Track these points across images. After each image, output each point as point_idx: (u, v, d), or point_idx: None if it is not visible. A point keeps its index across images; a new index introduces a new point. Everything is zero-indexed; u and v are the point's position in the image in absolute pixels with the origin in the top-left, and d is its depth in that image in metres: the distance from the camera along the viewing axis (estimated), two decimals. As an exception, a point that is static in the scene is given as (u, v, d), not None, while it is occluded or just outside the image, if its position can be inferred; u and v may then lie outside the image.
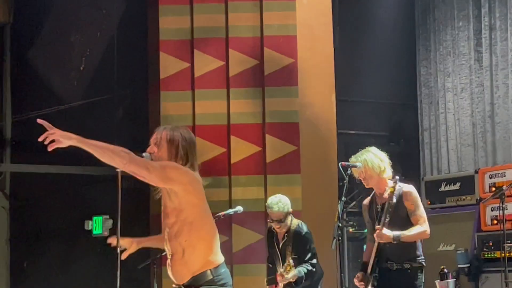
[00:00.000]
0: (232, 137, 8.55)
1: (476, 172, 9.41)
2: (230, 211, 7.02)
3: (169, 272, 4.94)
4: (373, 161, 6.55)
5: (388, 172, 6.59)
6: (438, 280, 6.44)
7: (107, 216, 9.07)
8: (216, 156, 8.57)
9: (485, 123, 10.25)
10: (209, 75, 8.70)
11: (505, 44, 10.08)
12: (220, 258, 4.87)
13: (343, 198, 6.14)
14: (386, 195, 6.42)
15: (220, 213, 6.74)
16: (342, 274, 5.92)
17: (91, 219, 9.16)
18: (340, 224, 5.92)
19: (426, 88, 11.09)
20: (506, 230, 7.28)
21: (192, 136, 5.01)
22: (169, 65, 8.71)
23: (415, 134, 11.06)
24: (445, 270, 6.44)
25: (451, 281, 6.43)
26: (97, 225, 9.08)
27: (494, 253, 8.74)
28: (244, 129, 8.62)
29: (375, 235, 6.26)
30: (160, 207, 8.66)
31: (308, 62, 8.81)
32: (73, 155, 9.77)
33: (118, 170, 4.86)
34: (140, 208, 9.08)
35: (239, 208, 7.03)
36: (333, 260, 5.94)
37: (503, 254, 6.95)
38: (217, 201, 8.19)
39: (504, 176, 9.03)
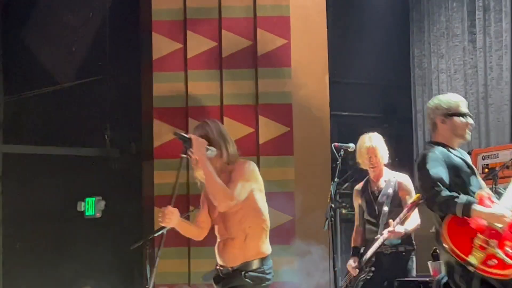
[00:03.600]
0: (225, 118, 8.52)
1: (469, 153, 9.41)
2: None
3: (219, 254, 5.14)
4: (385, 147, 6.65)
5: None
6: (431, 261, 6.45)
7: (100, 198, 9.06)
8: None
9: (478, 105, 10.24)
10: (202, 56, 8.66)
11: (499, 26, 10.06)
12: (269, 249, 5.13)
13: (336, 179, 6.15)
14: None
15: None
16: (335, 255, 5.92)
17: (83, 200, 9.16)
18: (333, 205, 5.93)
19: (420, 69, 11.07)
20: (499, 211, 7.28)
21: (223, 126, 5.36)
22: (161, 46, 8.66)
23: (409, 116, 11.06)
24: (438, 251, 6.44)
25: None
26: (90, 206, 9.07)
27: (487, 234, 8.75)
28: (237, 110, 8.59)
29: (388, 233, 6.28)
30: (152, 188, 8.66)
31: (301, 43, 8.77)
32: (66, 136, 9.78)
33: (183, 155, 5.02)
34: (133, 190, 9.07)
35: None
36: (326, 240, 5.93)
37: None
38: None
39: (497, 157, 9.03)
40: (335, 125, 9.61)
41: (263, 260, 5.15)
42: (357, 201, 6.87)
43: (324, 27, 8.95)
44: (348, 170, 10.15)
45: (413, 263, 6.62)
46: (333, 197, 5.98)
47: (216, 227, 5.30)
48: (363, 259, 6.59)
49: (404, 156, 10.20)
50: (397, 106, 11.17)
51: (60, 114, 9.78)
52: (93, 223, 9.18)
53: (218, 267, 5.26)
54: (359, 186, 6.89)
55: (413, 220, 6.44)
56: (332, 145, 6.40)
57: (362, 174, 10.10)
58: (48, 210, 9.46)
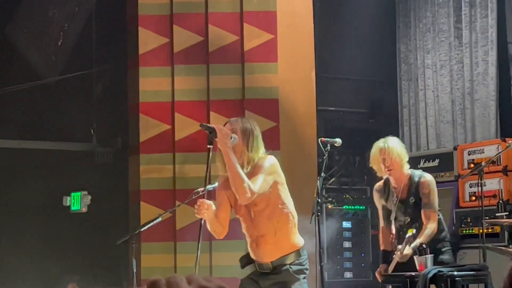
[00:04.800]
0: (211, 113, 8.52)
1: (455, 148, 9.44)
2: (210, 187, 6.99)
3: (255, 252, 5.16)
4: (402, 150, 6.62)
5: (408, 165, 6.66)
6: (417, 256, 6.47)
7: (86, 192, 9.03)
8: (196, 132, 8.53)
9: (464, 100, 10.27)
10: (188, 51, 8.65)
11: (485, 21, 10.08)
12: (302, 240, 5.18)
13: (322, 174, 6.17)
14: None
15: (199, 189, 6.72)
16: (321, 250, 5.93)
17: (69, 195, 9.13)
18: (319, 200, 5.94)
19: (406, 65, 11.08)
20: (484, 206, 7.31)
21: (257, 126, 5.47)
22: (148, 40, 8.64)
23: (395, 111, 11.07)
24: (423, 245, 6.47)
25: (429, 257, 6.45)
26: (75, 201, 9.04)
27: (472, 229, 8.78)
28: (224, 105, 8.58)
29: (399, 257, 6.31)
30: (138, 183, 8.64)
31: (288, 38, 8.76)
32: (51, 131, 9.74)
33: (209, 146, 5.08)
34: (119, 184, 9.05)
35: (216, 185, 7.00)
36: (312, 235, 5.94)
37: (481, 230, 6.98)
38: (196, 177, 8.18)
39: (483, 152, 9.06)
40: (321, 120, 9.61)
41: (299, 251, 5.21)
42: (380, 203, 6.84)
43: (311, 22, 8.95)
44: (335, 165, 10.17)
45: (449, 256, 6.69)
46: (319, 192, 5.99)
47: (244, 226, 5.32)
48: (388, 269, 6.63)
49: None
50: (383, 102, 11.18)
51: (45, 109, 9.75)
52: (79, 217, 9.15)
53: (256, 262, 5.29)
54: (379, 187, 6.86)
55: (428, 230, 6.50)
56: (319, 140, 6.41)
57: (348, 169, 10.16)
58: (34, 205, 9.42)
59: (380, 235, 6.91)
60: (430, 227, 6.50)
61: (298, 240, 5.27)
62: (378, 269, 6.78)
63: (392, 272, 6.61)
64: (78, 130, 9.66)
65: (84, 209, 8.99)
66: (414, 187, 6.62)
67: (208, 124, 5.19)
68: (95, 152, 9.51)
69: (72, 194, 9.08)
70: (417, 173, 6.78)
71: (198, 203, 5.24)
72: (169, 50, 8.64)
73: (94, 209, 9.05)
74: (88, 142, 9.58)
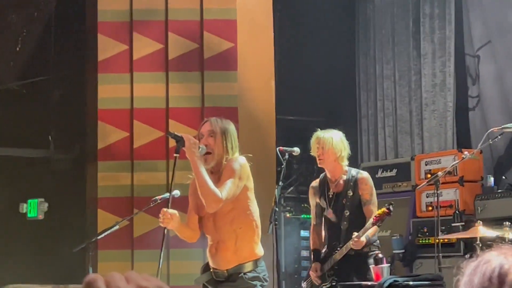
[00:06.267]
0: (171, 121, 8.50)
1: (412, 159, 9.52)
2: (167, 194, 6.97)
3: (213, 258, 5.07)
4: (338, 143, 6.59)
5: (346, 161, 6.65)
6: (373, 265, 6.49)
7: (42, 199, 8.95)
8: (154, 140, 8.51)
9: (422, 111, 10.35)
10: (148, 58, 8.63)
11: (443, 33, 10.19)
12: (262, 250, 5.08)
13: (280, 183, 6.16)
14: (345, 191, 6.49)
15: (157, 197, 6.70)
16: (279, 259, 5.93)
17: (26, 202, 9.04)
18: (277, 209, 5.93)
19: (365, 74, 11.16)
20: (440, 216, 7.38)
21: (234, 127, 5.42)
22: (107, 47, 8.60)
23: (353, 121, 11.12)
24: (380, 255, 6.50)
25: (385, 266, 6.48)
26: (32, 208, 8.95)
27: (429, 239, 8.85)
28: (183, 113, 8.57)
29: (352, 244, 6.29)
30: (96, 190, 8.58)
31: (248, 47, 8.78)
32: (9, 137, 9.65)
33: (176, 155, 5.00)
34: (76, 192, 8.99)
35: (176, 192, 6.99)
36: (270, 244, 5.94)
37: (437, 240, 7.04)
38: (154, 185, 8.16)
39: (440, 163, 9.15)
40: (280, 129, 9.62)
41: (256, 261, 5.11)
42: (315, 199, 6.82)
43: (271, 31, 8.98)
44: (293, 174, 10.19)
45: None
46: (277, 200, 5.99)
47: (205, 227, 5.21)
48: (325, 267, 6.60)
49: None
50: (342, 111, 11.23)
51: (3, 115, 9.65)
52: (36, 225, 9.06)
53: (212, 269, 5.20)
54: (315, 183, 6.86)
55: (372, 228, 6.42)
56: (277, 149, 6.42)
57: (306, 178, 10.17)
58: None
59: (311, 234, 6.89)
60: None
61: (259, 250, 5.20)
62: (313, 267, 6.72)
63: (329, 270, 6.58)
64: (36, 137, 9.57)
65: (41, 216, 8.90)
66: (352, 182, 6.61)
67: (176, 133, 5.13)
68: (53, 159, 9.43)
69: (29, 201, 8.99)
70: (354, 169, 6.81)
71: (161, 213, 5.20)
72: (128, 57, 8.61)
73: (51, 216, 8.97)
74: (45, 148, 9.51)
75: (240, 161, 5.15)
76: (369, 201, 6.56)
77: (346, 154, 6.69)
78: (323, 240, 6.77)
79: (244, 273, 5.09)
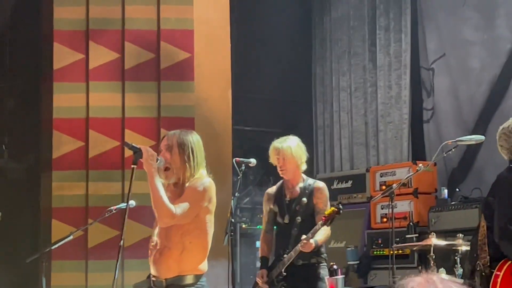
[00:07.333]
0: (126, 131, 8.46)
1: (368, 170, 9.58)
2: (123, 205, 6.94)
3: (155, 263, 5.00)
4: (297, 150, 6.58)
5: (305, 165, 6.65)
6: (327, 277, 6.50)
7: (-5, 209, 8.86)
8: (110, 149, 8.47)
9: (377, 123, 10.43)
10: (104, 67, 8.58)
11: (398, 45, 10.28)
12: (206, 267, 5.02)
13: (236, 194, 6.16)
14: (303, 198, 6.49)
15: (112, 207, 6.67)
16: (234, 269, 5.93)
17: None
18: (233, 220, 5.93)
19: (321, 86, 11.22)
20: (395, 228, 7.42)
21: (199, 138, 5.23)
22: (63, 56, 8.54)
23: (309, 132, 11.17)
24: (335, 266, 6.51)
25: (340, 278, 6.49)
26: (-15, 217, 8.86)
27: (383, 250, 8.91)
28: (139, 123, 8.53)
29: (301, 246, 6.27)
30: (50, 200, 8.51)
31: (204, 57, 8.78)
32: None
33: (133, 166, 4.89)
34: (30, 201, 8.90)
35: (132, 203, 6.95)
36: (225, 255, 5.94)
37: (391, 252, 7.07)
38: (109, 195, 8.11)
39: (395, 175, 9.22)
40: (237, 139, 9.63)
41: (198, 276, 5.05)
42: (268, 205, 6.79)
43: (228, 42, 8.99)
44: (249, 185, 10.20)
45: (326, 272, 6.61)
46: (233, 211, 5.99)
47: (156, 230, 5.14)
48: (273, 273, 6.58)
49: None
50: (298, 122, 11.26)
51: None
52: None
53: (151, 278, 5.15)
54: (271, 190, 6.84)
55: (324, 231, 6.40)
56: (234, 160, 6.42)
57: (262, 189, 10.17)
58: None
59: (261, 242, 6.88)
60: (327, 228, 6.46)
61: (202, 266, 5.11)
62: (259, 273, 6.70)
63: (277, 275, 6.57)
64: (-11, 145, 9.47)
65: (-6, 226, 8.81)
66: (308, 190, 6.61)
67: (133, 144, 5.07)
68: (7, 168, 9.34)
69: (-18, 210, 8.90)
70: (311, 179, 6.81)
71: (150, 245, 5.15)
72: (84, 66, 8.56)
73: (5, 226, 8.87)
74: (-1, 157, 9.42)
75: (205, 184, 5.10)
76: (323, 211, 6.56)
77: (305, 158, 6.69)
78: (272, 248, 6.77)
79: (183, 286, 5.01)
